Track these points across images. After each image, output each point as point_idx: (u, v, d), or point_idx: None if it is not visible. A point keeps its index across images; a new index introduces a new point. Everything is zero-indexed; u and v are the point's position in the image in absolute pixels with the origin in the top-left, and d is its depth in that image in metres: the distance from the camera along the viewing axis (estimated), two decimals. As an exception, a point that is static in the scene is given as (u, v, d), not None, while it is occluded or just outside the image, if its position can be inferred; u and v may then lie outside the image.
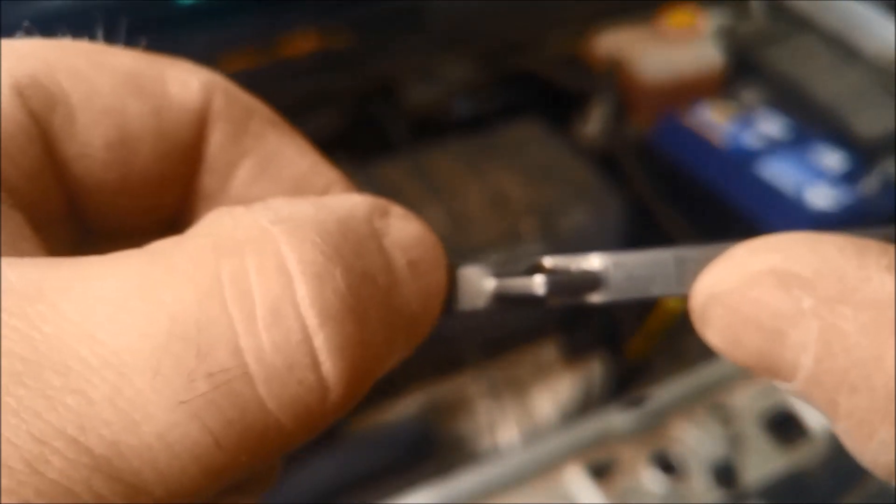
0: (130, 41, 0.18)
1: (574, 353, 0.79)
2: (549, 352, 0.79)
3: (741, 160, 0.86)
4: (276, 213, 0.14)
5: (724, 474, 0.63)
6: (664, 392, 0.67)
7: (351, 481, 0.66)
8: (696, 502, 0.61)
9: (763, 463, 0.64)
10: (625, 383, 0.78)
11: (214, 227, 0.14)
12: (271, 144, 0.18)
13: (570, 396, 0.75)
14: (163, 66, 0.17)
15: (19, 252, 0.15)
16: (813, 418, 0.66)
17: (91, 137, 0.16)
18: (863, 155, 0.86)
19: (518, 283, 0.17)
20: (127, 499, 0.12)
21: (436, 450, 0.70)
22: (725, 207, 0.85)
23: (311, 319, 0.13)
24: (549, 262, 0.17)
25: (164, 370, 0.12)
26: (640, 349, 0.81)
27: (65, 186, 0.17)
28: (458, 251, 0.76)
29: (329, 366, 0.14)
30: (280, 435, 0.14)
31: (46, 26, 0.17)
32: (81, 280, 0.13)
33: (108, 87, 0.16)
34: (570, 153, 0.86)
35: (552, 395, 0.75)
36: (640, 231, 0.85)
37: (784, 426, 0.66)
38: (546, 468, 0.62)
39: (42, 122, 0.16)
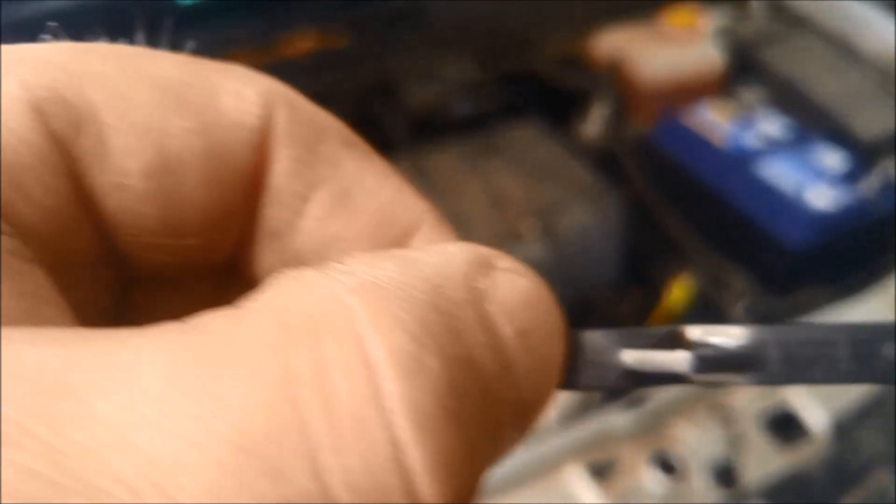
0: (129, 41, 0.17)
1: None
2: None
3: (741, 160, 0.86)
4: (355, 277, 0.11)
5: (724, 474, 0.63)
6: (664, 392, 0.67)
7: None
8: (696, 502, 0.61)
9: (763, 463, 0.64)
10: (625, 383, 0.78)
11: (282, 299, 0.11)
12: (348, 171, 0.15)
13: (570, 397, 0.75)
14: (213, 73, 0.14)
15: (40, 320, 0.12)
16: (813, 418, 0.66)
17: (127, 164, 0.13)
18: (863, 155, 0.86)
19: (658, 358, 0.15)
20: None
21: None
22: (725, 207, 0.85)
23: (404, 431, 0.11)
24: (691, 333, 0.15)
25: (226, 494, 0.10)
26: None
27: (96, 226, 0.14)
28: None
29: (425, 487, 0.11)
30: None
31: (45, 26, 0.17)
32: (118, 367, 0.10)
33: (146, 101, 0.13)
34: (570, 153, 0.86)
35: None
36: (639, 231, 0.85)
37: (784, 426, 0.66)
38: (546, 468, 0.62)
39: (66, 147, 0.13)
